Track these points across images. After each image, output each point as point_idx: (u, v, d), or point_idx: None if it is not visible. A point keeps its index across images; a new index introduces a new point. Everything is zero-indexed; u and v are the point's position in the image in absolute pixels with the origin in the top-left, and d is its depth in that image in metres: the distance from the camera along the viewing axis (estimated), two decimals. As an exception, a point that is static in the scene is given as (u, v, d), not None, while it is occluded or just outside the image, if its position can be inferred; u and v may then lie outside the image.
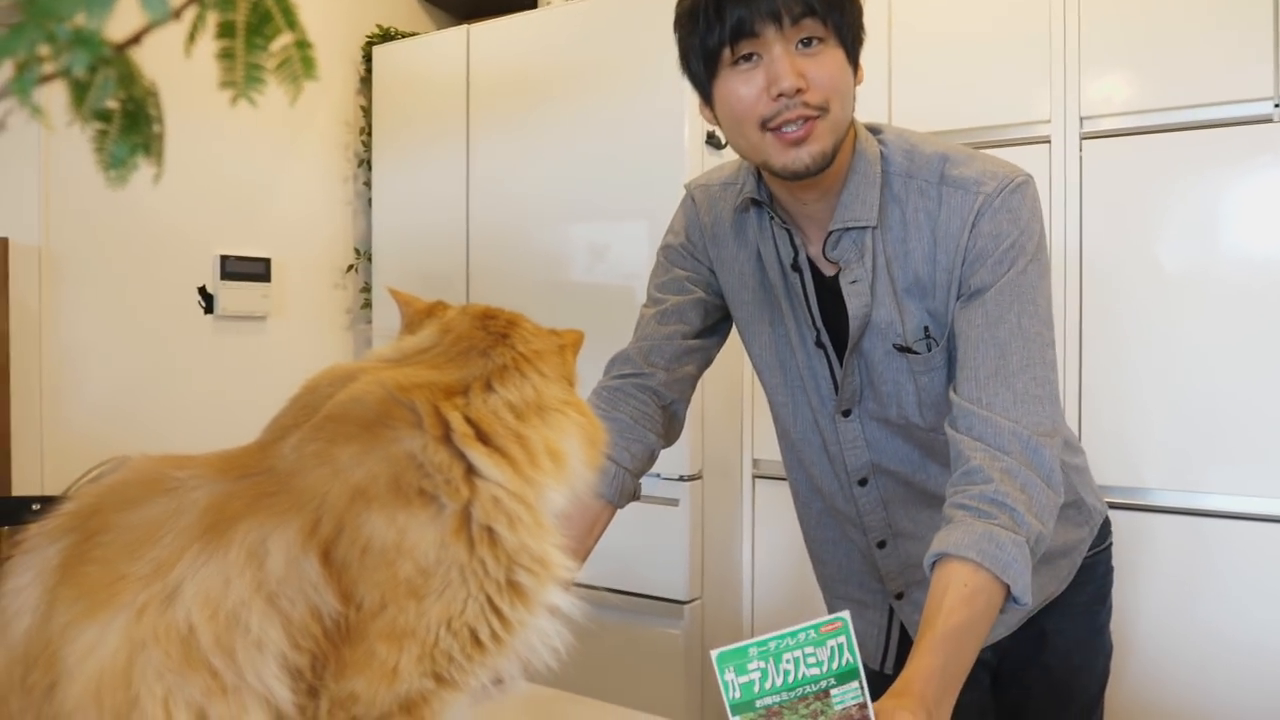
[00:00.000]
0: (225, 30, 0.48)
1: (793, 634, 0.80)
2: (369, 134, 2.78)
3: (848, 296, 1.09)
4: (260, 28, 0.48)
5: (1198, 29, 1.91)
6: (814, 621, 0.80)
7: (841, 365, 1.14)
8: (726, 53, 0.99)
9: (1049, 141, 2.06)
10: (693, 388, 1.26)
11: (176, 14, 0.45)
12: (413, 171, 2.66)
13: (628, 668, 2.23)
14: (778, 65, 0.97)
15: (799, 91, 0.97)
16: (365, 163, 2.82)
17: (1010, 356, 1.01)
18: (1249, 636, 1.89)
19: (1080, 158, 2.04)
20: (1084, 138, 2.03)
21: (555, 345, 0.81)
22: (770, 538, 2.39)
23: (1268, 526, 1.87)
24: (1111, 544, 1.32)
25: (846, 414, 1.17)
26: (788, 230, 1.12)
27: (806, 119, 0.98)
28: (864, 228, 1.07)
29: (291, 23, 0.49)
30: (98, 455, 1.76)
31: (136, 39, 0.46)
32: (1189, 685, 1.95)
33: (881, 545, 1.23)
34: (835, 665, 0.80)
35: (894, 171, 1.09)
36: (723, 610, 2.32)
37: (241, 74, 0.48)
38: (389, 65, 2.71)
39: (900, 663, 1.27)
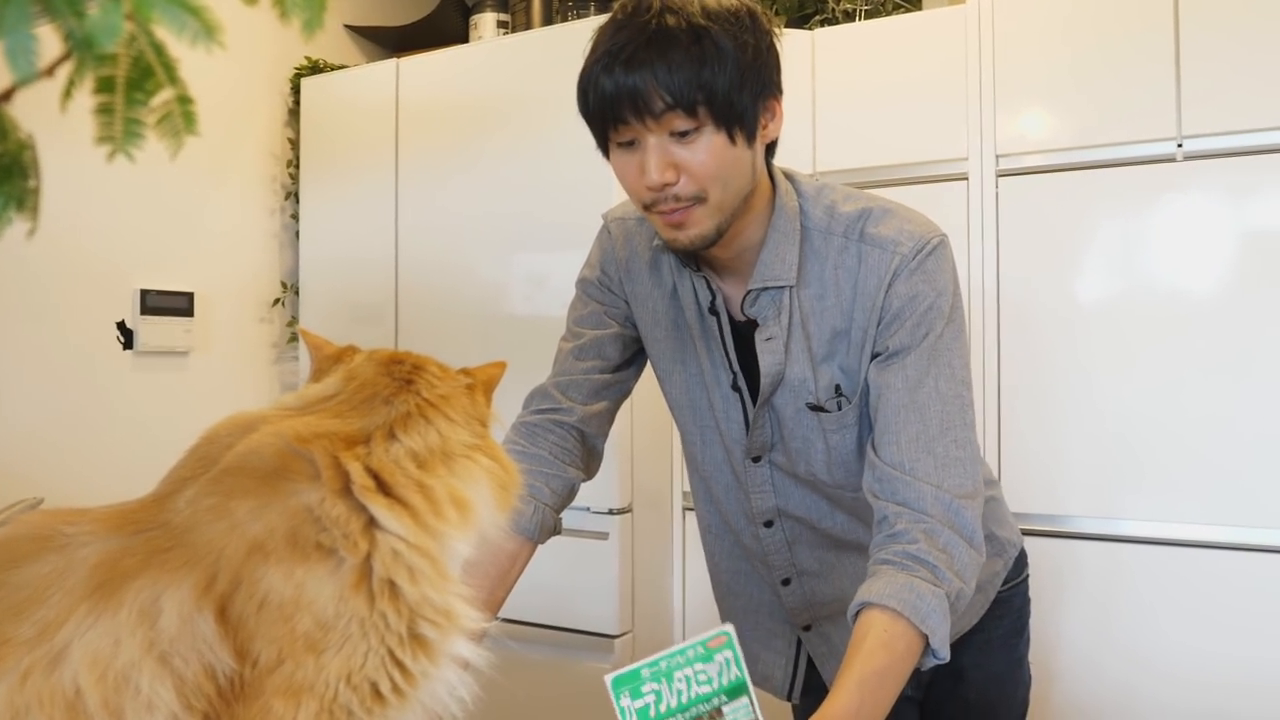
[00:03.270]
0: (104, 85, 0.47)
1: (681, 651, 0.81)
2: (297, 166, 2.75)
3: (761, 354, 1.10)
4: (141, 83, 0.48)
5: (1107, 72, 1.99)
6: (700, 637, 0.81)
7: (753, 415, 1.15)
8: (611, 132, 1.00)
9: (966, 179, 2.12)
10: (610, 421, 1.27)
11: (49, 71, 0.44)
12: (341, 204, 2.64)
13: (558, 704, 2.21)
14: (648, 158, 0.97)
15: (667, 184, 0.98)
16: (293, 195, 2.79)
17: (930, 421, 1.03)
18: (1168, 660, 1.94)
19: (996, 194, 2.10)
20: (1000, 175, 2.10)
21: (463, 386, 0.80)
22: (701, 570, 2.37)
23: (1184, 551, 1.93)
24: (1028, 576, 1.33)
25: (756, 460, 1.17)
26: (704, 277, 1.12)
27: (682, 208, 0.99)
28: (782, 287, 1.08)
29: (173, 78, 0.48)
30: (12, 496, 1.70)
31: (7, 95, 0.45)
32: (1109, 709, 1.99)
33: (786, 583, 1.24)
34: (725, 681, 0.81)
35: (813, 227, 1.09)
36: (654, 643, 2.32)
37: (120, 129, 0.48)
38: (318, 98, 2.69)
39: (806, 691, 1.29)
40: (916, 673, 1.14)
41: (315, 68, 2.79)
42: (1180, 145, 1.92)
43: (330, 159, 2.66)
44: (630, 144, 0.99)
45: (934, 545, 0.98)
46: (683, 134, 0.96)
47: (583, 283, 1.27)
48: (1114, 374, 1.99)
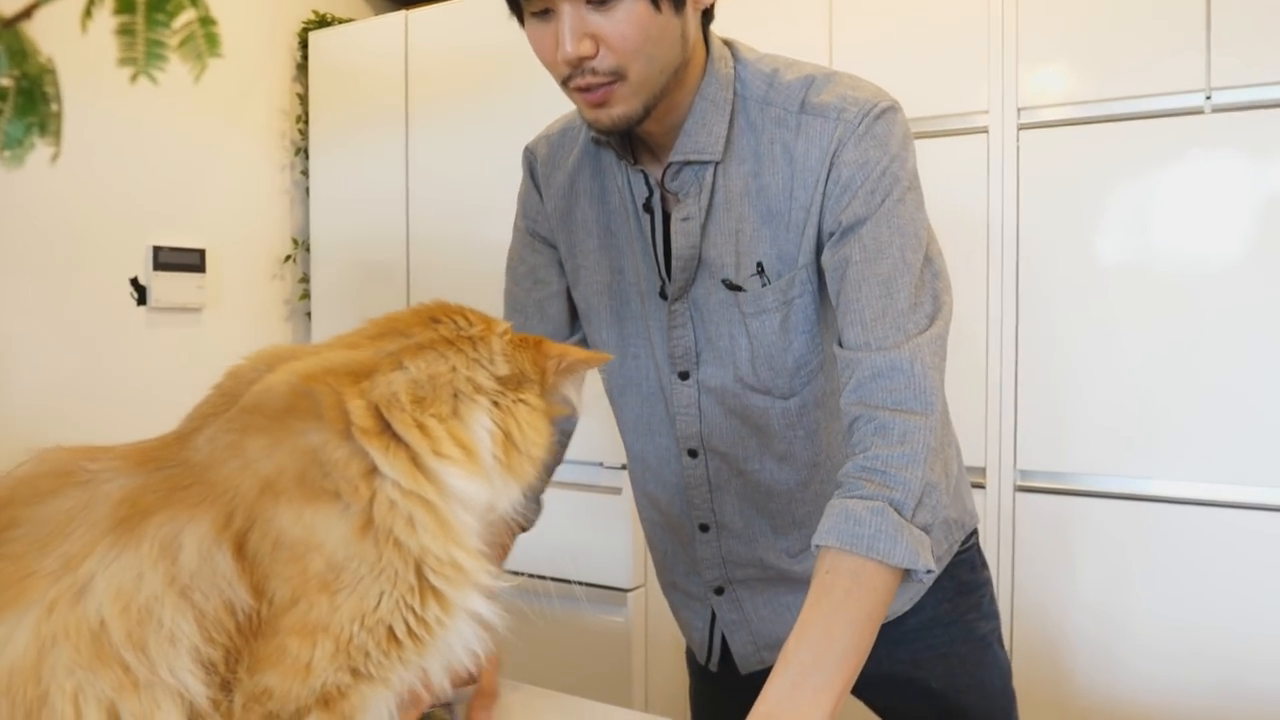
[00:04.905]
0: (124, 6, 0.46)
1: None
2: (306, 122, 2.73)
3: (675, 234, 1.01)
4: (161, 4, 0.47)
5: (1133, 22, 1.95)
6: None
7: (669, 308, 1.05)
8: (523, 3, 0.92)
9: (987, 132, 2.09)
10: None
11: (68, -13, 0.43)
12: (351, 160, 2.62)
13: (571, 656, 2.23)
14: (563, 28, 0.88)
15: (584, 58, 0.89)
16: (302, 151, 2.77)
17: (898, 294, 0.92)
18: (1181, 619, 1.94)
19: (1017, 147, 2.07)
20: (1021, 128, 2.06)
21: (503, 335, 0.77)
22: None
23: (1198, 510, 1.92)
24: (974, 547, 1.18)
25: (684, 376, 1.08)
26: (643, 171, 1.03)
27: (602, 85, 0.91)
28: (706, 162, 0.98)
29: (194, -1, 0.47)
30: (26, 453, 1.71)
31: (27, 13, 0.44)
32: (1126, 668, 2.00)
33: (704, 529, 1.14)
34: None
35: (750, 97, 0.99)
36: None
37: (142, 50, 0.47)
38: (326, 52, 2.67)
39: (725, 658, 1.21)
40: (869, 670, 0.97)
41: (323, 21, 2.77)
42: (1209, 97, 1.88)
43: (340, 114, 2.64)
44: (544, 13, 0.90)
45: (887, 442, 0.89)
46: (601, 1, 0.87)
47: (515, 230, 1.20)
48: (1133, 332, 1.97)
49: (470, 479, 0.69)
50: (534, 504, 1.15)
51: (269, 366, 0.71)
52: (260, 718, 0.64)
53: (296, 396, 0.67)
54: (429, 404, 0.70)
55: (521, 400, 0.76)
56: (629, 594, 2.20)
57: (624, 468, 2.17)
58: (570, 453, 1.17)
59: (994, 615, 1.18)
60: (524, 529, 1.13)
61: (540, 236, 1.16)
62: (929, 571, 0.87)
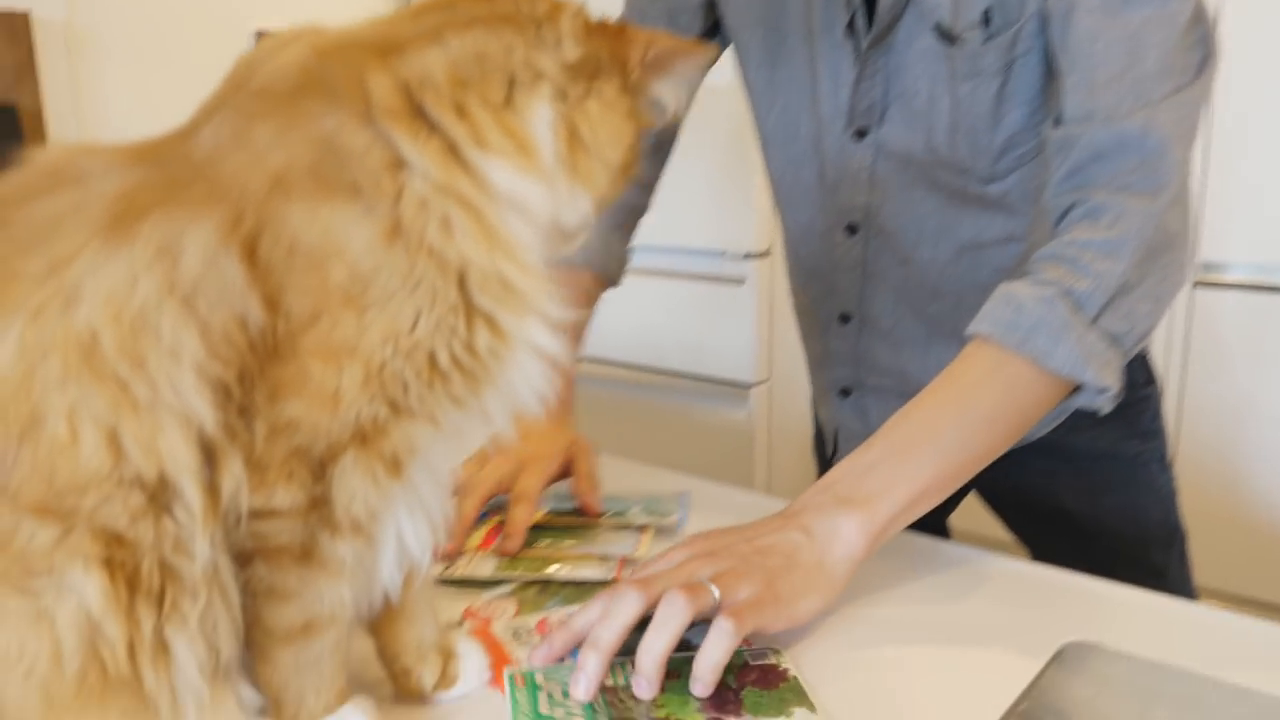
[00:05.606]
0: None
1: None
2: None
3: None
4: None
5: None
6: None
7: (863, 55, 0.88)
8: None
9: None
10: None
11: None
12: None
13: (692, 452, 2.17)
14: None
15: None
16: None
17: (1147, 53, 0.71)
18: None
19: None
20: None
21: (568, 12, 0.62)
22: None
23: None
24: (1135, 360, 0.98)
25: (861, 134, 0.91)
26: None
27: None
28: None
29: None
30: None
31: None
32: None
33: (845, 320, 1.01)
34: None
35: None
36: (792, 393, 2.22)
37: None
38: None
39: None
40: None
41: None
42: None
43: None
44: None
45: (1094, 226, 0.72)
46: None
47: None
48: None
49: (522, 177, 0.56)
50: (619, 257, 1.04)
51: (281, 49, 0.59)
52: (287, 452, 0.55)
53: (309, 75, 0.55)
54: (474, 87, 0.56)
55: (596, 93, 0.62)
56: (751, 389, 2.10)
57: (747, 258, 2.02)
58: (689, 241, 1.04)
59: (1154, 434, 1.00)
60: (611, 284, 1.03)
61: None
62: (1103, 391, 0.71)
